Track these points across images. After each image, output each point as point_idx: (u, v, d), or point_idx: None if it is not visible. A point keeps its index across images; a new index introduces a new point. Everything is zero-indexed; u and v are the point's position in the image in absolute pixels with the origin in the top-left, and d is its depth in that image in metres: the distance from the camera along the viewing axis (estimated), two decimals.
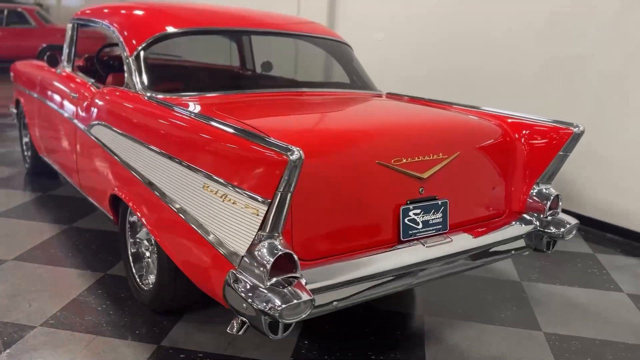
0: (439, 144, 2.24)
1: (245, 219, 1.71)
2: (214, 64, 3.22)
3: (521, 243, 2.51)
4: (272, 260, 1.64)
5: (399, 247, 2.12)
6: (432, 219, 2.20)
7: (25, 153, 4.61)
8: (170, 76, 2.78)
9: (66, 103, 3.24)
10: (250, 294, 1.66)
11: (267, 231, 1.67)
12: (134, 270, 2.62)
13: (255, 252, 1.68)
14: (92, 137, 2.77)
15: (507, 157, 2.51)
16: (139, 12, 2.93)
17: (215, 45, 3.18)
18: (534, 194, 2.53)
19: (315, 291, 1.80)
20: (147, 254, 2.53)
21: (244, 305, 1.69)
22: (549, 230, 2.47)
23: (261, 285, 1.66)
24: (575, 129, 2.41)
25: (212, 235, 1.85)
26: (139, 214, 2.32)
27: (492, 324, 2.65)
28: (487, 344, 2.48)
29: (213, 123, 1.90)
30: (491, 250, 2.37)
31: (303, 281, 1.77)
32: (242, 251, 1.72)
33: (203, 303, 2.55)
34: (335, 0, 6.11)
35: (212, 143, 1.88)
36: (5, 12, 11.13)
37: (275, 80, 3.29)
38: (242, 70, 3.33)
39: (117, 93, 2.68)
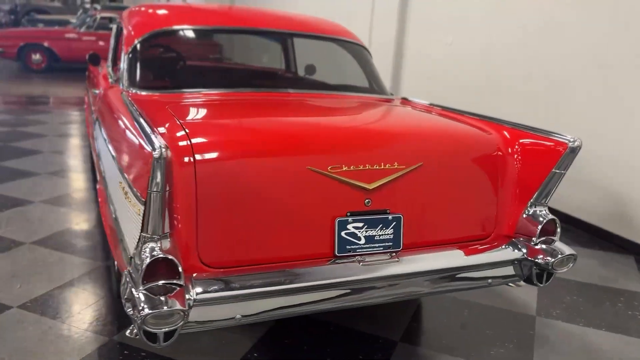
0: (395, 152, 2.00)
1: (134, 218, 1.66)
2: (212, 63, 3.21)
3: (506, 271, 2.18)
4: (146, 263, 1.56)
5: (336, 262, 1.93)
6: (380, 235, 1.97)
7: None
8: (157, 74, 2.81)
9: (92, 99, 3.42)
10: (127, 297, 1.60)
11: (148, 233, 1.59)
12: (115, 262, 2.68)
13: (140, 254, 1.61)
14: (93, 131, 2.89)
15: (494, 172, 2.19)
16: (142, 13, 3.01)
17: (223, 44, 3.17)
18: (526, 216, 2.19)
19: (213, 301, 1.70)
20: None
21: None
22: (537, 260, 2.11)
23: (137, 288, 1.58)
24: (570, 143, 2.05)
25: (121, 234, 1.82)
26: (101, 209, 2.36)
27: None
28: None
29: (125, 117, 1.87)
30: (459, 275, 2.08)
31: (197, 290, 1.67)
32: (131, 252, 1.66)
33: None
34: (407, 2, 5.87)
35: (121, 137, 1.86)
36: None
37: (271, 80, 3.19)
38: (238, 69, 3.29)
39: (113, 90, 2.77)
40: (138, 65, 2.64)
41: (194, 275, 1.72)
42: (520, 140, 2.20)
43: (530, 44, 4.29)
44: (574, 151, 2.05)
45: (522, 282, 2.25)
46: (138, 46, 2.68)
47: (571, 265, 2.14)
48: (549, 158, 2.11)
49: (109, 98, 2.56)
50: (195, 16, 2.93)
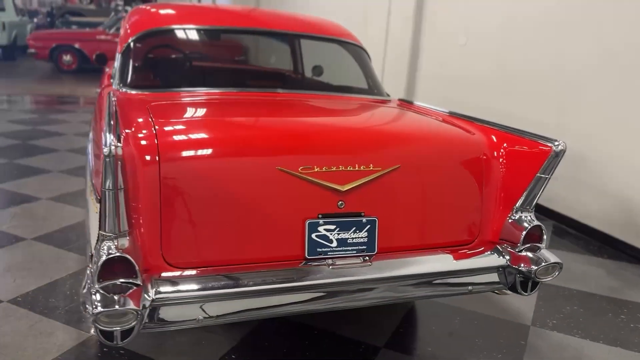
0: (371, 154, 1.95)
1: (95, 217, 1.66)
2: (203, 63, 3.20)
3: (489, 278, 2.10)
4: (101, 261, 1.55)
5: (306, 265, 1.89)
6: (353, 238, 1.92)
7: None
8: (148, 73, 2.83)
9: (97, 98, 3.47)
10: (83, 295, 1.60)
11: (105, 231, 1.59)
12: None
13: (98, 252, 1.61)
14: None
15: (477, 175, 2.12)
16: (141, 12, 3.03)
17: (218, 44, 3.17)
18: (511, 221, 2.11)
19: (173, 301, 1.69)
20: None
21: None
22: (520, 268, 2.03)
23: (93, 286, 1.58)
24: (554, 147, 1.96)
25: (88, 233, 1.83)
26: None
27: None
28: None
29: (101, 116, 1.88)
30: (436, 281, 2.02)
31: (156, 290, 1.66)
32: (91, 250, 1.66)
33: None
34: (423, 4, 5.78)
35: (94, 136, 1.87)
36: None
37: (262, 80, 3.17)
38: (229, 69, 3.28)
39: (106, 89, 2.79)
40: (130, 64, 2.66)
41: (158, 274, 1.71)
42: (505, 144, 2.13)
43: (543, 44, 4.16)
44: (558, 155, 1.97)
45: (508, 291, 2.17)
46: (131, 45, 2.70)
47: (557, 274, 2.05)
48: (533, 162, 2.03)
49: (100, 97, 2.59)
50: (190, 16, 2.93)
